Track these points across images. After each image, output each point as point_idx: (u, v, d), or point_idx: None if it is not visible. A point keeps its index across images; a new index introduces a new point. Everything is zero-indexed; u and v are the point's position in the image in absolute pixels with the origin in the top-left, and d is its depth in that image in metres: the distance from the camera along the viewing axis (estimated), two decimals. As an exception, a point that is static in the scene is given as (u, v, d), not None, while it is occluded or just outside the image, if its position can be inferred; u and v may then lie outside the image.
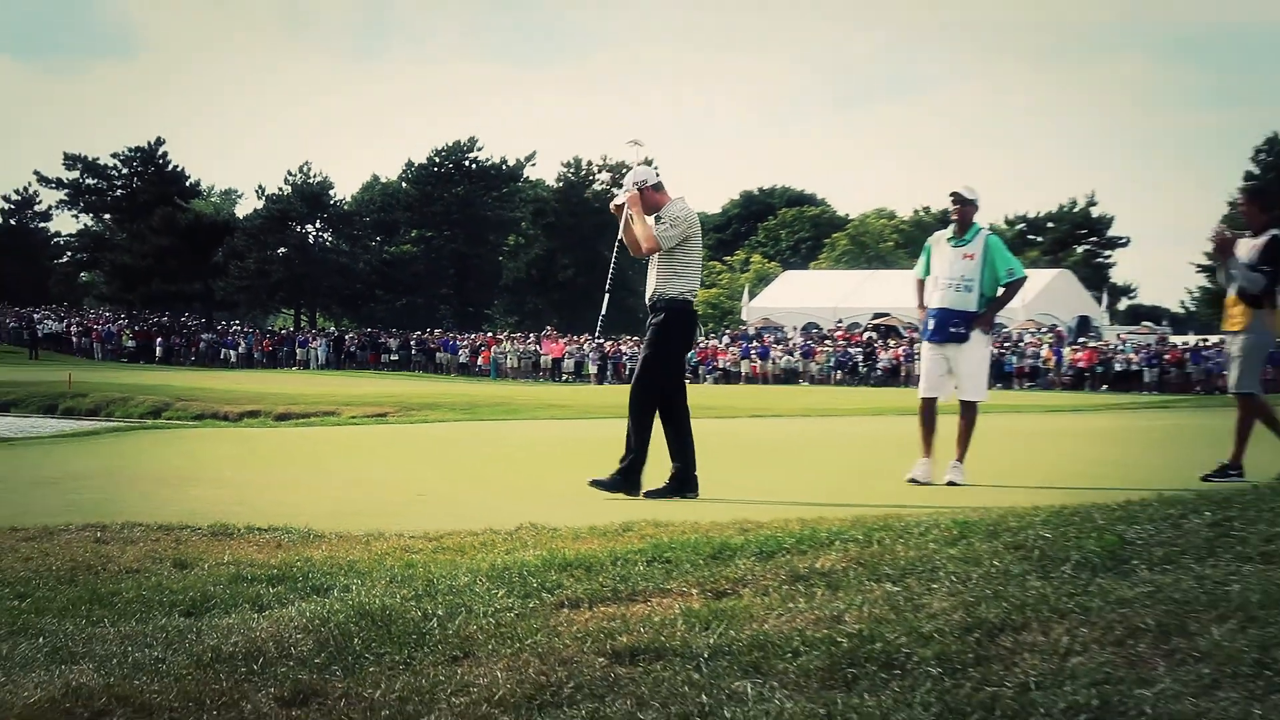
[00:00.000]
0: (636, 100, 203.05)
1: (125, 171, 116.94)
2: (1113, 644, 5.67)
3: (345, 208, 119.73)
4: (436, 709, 5.73)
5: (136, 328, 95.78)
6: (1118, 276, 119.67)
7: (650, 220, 13.77)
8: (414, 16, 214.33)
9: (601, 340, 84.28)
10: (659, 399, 13.57)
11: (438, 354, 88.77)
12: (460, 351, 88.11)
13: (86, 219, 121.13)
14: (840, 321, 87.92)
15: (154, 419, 43.01)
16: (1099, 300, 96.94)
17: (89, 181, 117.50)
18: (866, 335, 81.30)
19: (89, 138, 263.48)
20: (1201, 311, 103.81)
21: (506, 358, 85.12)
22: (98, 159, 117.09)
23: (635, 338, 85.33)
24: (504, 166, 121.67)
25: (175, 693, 6.07)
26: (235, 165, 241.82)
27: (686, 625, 6.49)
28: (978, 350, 14.93)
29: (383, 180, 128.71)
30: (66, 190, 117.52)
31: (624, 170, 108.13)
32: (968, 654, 5.72)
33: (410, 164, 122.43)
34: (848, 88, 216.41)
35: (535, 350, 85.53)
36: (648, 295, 13.77)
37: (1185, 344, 74.80)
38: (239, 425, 35.02)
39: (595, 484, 13.29)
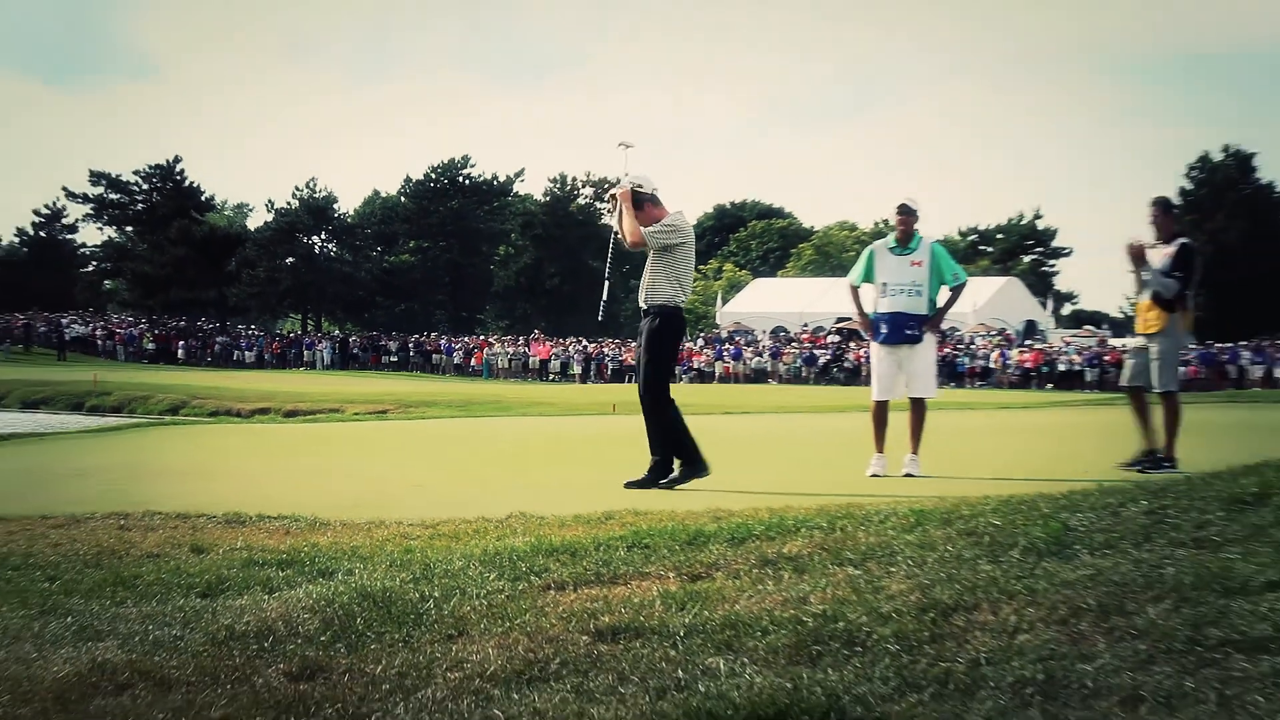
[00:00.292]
0: (618, 121, 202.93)
1: (146, 187, 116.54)
2: (1057, 623, 5.67)
3: (348, 220, 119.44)
4: (433, 683, 5.73)
5: (156, 331, 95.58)
6: (1061, 284, 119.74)
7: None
8: (411, 45, 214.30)
9: (586, 342, 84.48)
10: (667, 393, 13.55)
11: (434, 355, 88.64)
12: (455, 353, 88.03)
13: (110, 231, 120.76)
14: (806, 325, 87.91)
15: (172, 416, 42.95)
16: (1044, 306, 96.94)
17: (112, 196, 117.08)
18: (830, 338, 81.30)
19: (113, 156, 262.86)
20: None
21: (498, 359, 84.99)
22: (120, 176, 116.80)
23: (618, 340, 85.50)
24: (495, 182, 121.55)
25: (192, 668, 6.07)
26: (246, 181, 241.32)
27: (664, 606, 6.49)
28: (929, 351, 15.00)
29: (383, 195, 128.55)
30: (92, 205, 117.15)
31: (606, 185, 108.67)
32: (923, 632, 5.72)
33: (408, 180, 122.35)
34: (811, 110, 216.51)
35: (524, 352, 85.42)
36: (641, 299, 13.76)
37: (1123, 346, 74.87)
38: (250, 421, 34.89)
39: (636, 485, 13.19)
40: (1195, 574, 5.98)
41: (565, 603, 6.76)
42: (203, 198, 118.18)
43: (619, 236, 13.98)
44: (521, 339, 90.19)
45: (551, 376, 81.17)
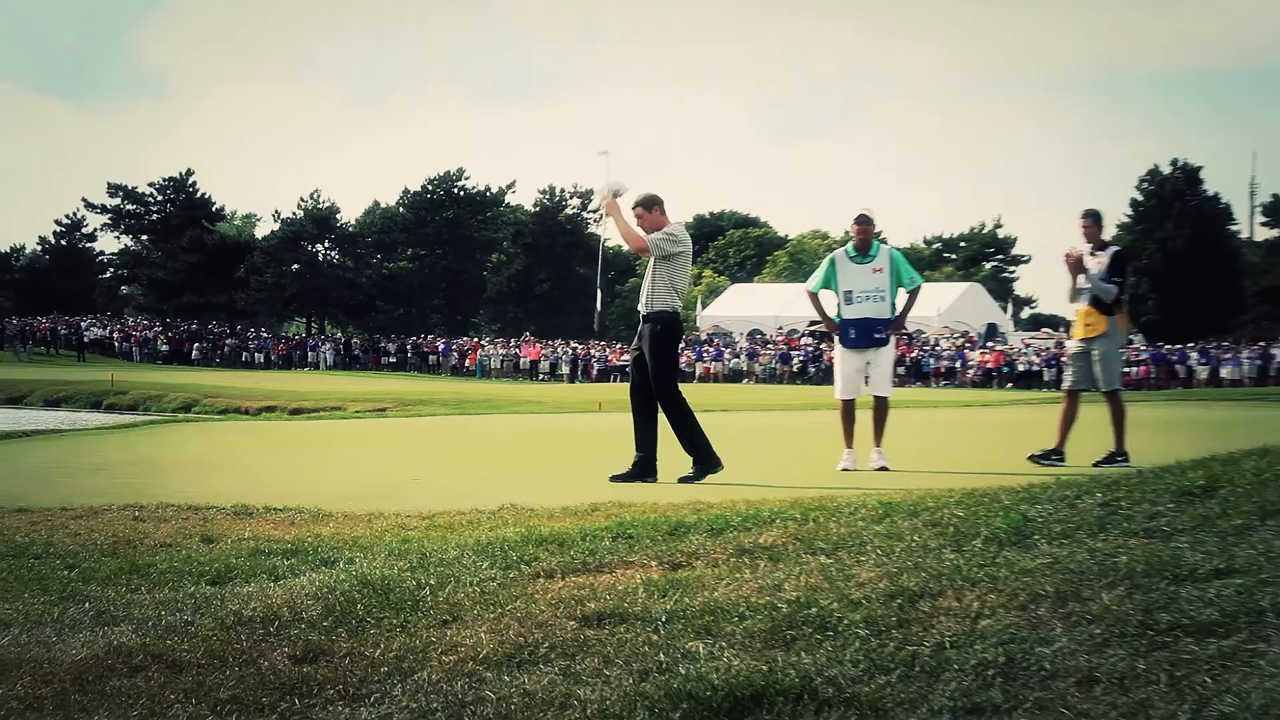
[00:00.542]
0: (604, 135, 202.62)
1: (160, 198, 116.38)
2: (1017, 608, 5.67)
3: (350, 229, 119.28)
4: (428, 666, 5.72)
5: (170, 334, 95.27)
6: (1021, 289, 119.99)
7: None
8: (410, 64, 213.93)
9: (574, 344, 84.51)
10: (679, 393, 13.56)
11: (431, 356, 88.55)
12: (450, 354, 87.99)
13: (127, 240, 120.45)
14: (781, 328, 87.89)
15: (184, 413, 42.87)
16: (1005, 309, 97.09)
17: (129, 207, 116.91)
18: (804, 340, 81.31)
19: (129, 170, 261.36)
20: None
21: (490, 360, 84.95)
22: (136, 188, 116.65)
23: (602, 342, 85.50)
24: (488, 193, 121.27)
25: (202, 651, 6.07)
26: (255, 193, 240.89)
27: (646, 593, 6.48)
28: (891, 352, 15.14)
29: (383, 205, 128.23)
30: (110, 215, 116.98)
31: (592, 196, 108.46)
32: (891, 618, 5.71)
33: (407, 191, 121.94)
34: (786, 125, 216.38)
35: (515, 353, 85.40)
36: (640, 305, 13.81)
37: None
38: (258, 419, 34.89)
39: (683, 480, 13.15)
40: (1147, 562, 5.98)
41: (554, 590, 6.75)
42: (213, 208, 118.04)
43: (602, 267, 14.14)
44: (513, 341, 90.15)
45: (541, 376, 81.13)
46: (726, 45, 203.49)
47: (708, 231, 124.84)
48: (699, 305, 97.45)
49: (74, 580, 7.86)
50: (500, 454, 18.12)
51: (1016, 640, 5.25)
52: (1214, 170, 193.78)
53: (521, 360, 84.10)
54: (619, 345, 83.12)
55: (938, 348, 76.18)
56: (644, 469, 13.35)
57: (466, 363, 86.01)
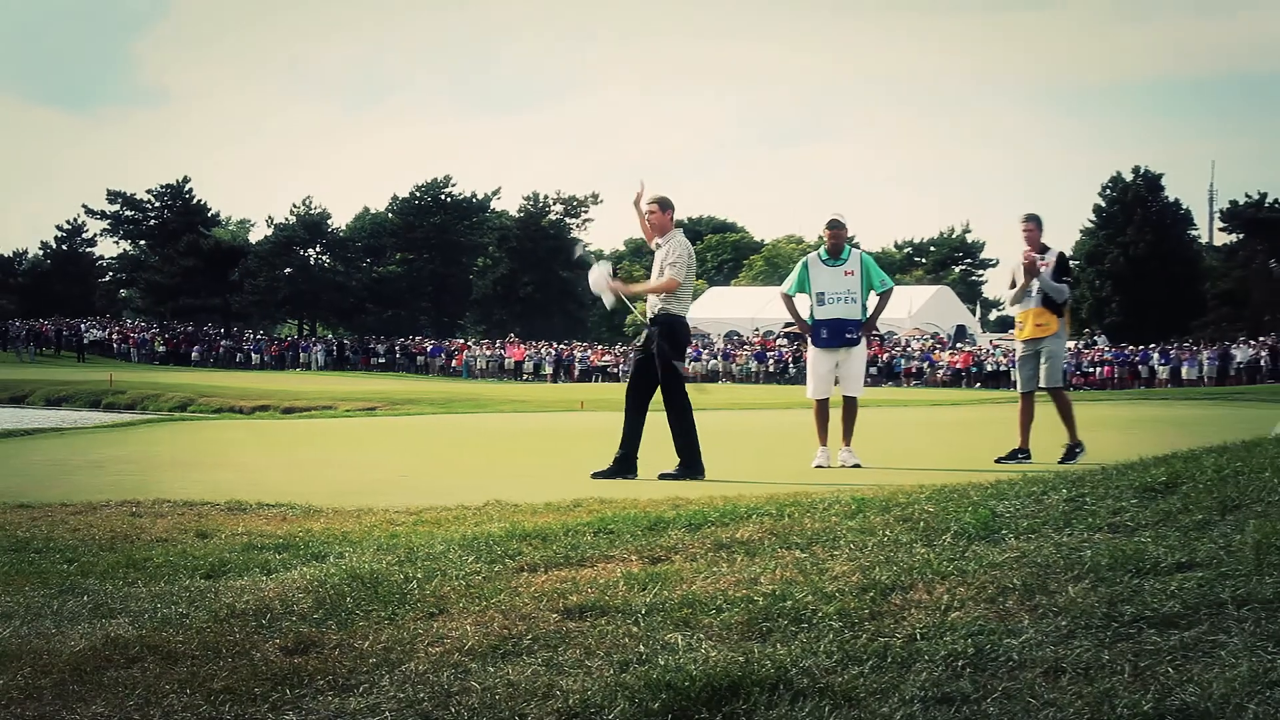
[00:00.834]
0: (588, 143, 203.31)
1: (157, 205, 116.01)
2: (985, 601, 5.66)
3: (341, 234, 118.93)
4: (415, 657, 5.70)
5: (167, 335, 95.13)
6: (989, 292, 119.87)
7: (657, 249, 14.29)
8: (399, 73, 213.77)
9: (557, 344, 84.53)
10: (684, 394, 13.58)
11: (419, 357, 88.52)
12: (438, 355, 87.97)
13: (125, 244, 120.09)
14: (757, 330, 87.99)
15: (180, 412, 42.82)
16: (973, 312, 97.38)
17: (128, 213, 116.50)
18: (779, 341, 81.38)
19: (128, 177, 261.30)
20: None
21: (476, 360, 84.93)
22: (135, 194, 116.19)
23: (584, 343, 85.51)
24: (474, 199, 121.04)
25: (197, 643, 6.05)
26: (249, 199, 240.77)
27: (627, 586, 6.46)
28: (863, 352, 15.19)
29: (372, 211, 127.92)
30: (109, 220, 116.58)
31: (575, 203, 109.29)
32: (864, 610, 5.70)
33: (395, 197, 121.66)
34: (764, 133, 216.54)
35: (501, 354, 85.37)
36: (648, 310, 13.96)
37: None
38: (251, 417, 34.83)
39: (663, 477, 13.11)
40: (1111, 556, 5.98)
41: (537, 583, 6.73)
42: (209, 214, 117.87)
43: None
44: (498, 342, 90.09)
45: (525, 376, 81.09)
46: (704, 53, 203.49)
47: (687, 236, 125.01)
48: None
49: (73, 574, 7.86)
50: (486, 452, 18.12)
51: (985, 632, 5.24)
52: (1175, 177, 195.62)
53: (506, 361, 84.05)
54: (600, 346, 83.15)
55: (908, 349, 76.34)
56: (624, 466, 13.37)
57: (453, 363, 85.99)
